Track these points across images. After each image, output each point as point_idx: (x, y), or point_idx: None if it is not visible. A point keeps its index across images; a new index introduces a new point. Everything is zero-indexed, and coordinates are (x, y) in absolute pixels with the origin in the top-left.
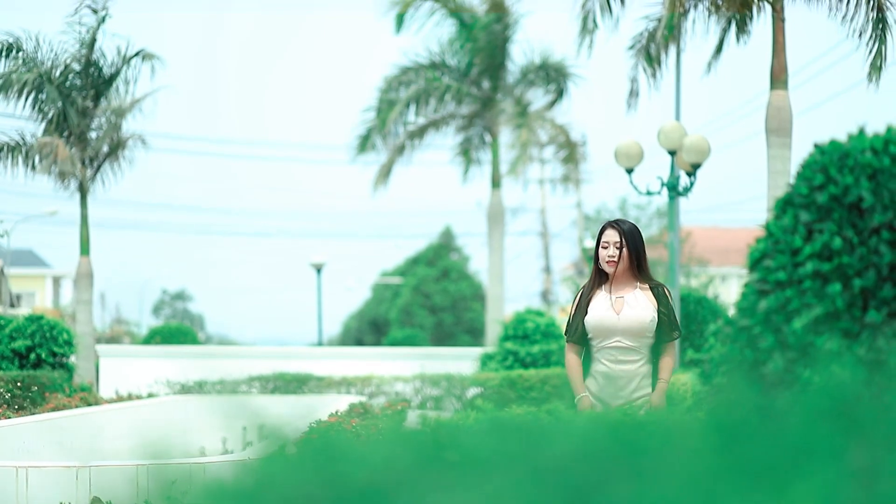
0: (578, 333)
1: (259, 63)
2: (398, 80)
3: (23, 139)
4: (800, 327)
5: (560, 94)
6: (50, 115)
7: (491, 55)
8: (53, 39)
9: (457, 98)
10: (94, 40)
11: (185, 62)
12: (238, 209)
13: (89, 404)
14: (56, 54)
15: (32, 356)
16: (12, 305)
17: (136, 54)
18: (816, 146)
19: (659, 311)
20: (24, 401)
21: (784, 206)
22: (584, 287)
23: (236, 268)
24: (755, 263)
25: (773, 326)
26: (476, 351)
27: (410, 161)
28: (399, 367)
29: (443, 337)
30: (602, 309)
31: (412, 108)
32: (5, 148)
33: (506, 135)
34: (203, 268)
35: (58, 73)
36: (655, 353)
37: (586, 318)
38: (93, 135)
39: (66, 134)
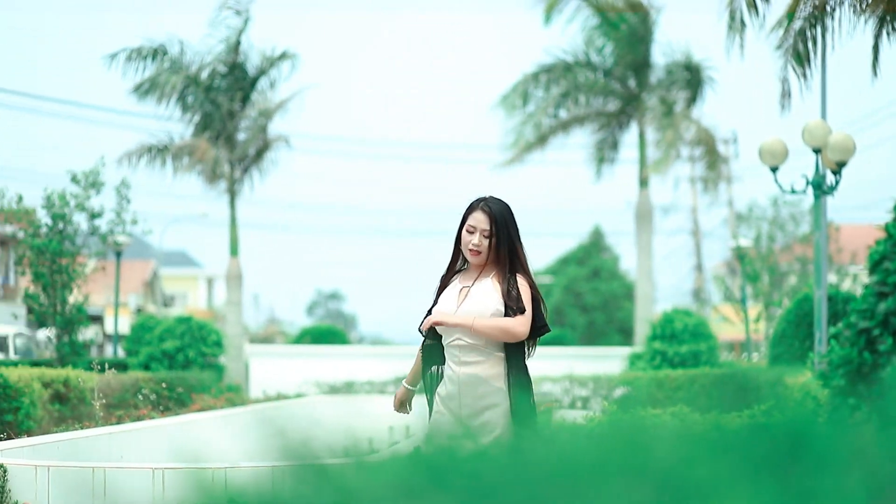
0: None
1: (411, 62)
2: (540, 76)
3: (171, 141)
4: None
5: (696, 93)
6: (197, 117)
7: (634, 53)
8: (199, 42)
9: (602, 95)
10: (238, 42)
11: (323, 62)
12: (390, 209)
13: (235, 405)
14: (202, 57)
15: (181, 357)
16: (166, 305)
17: (281, 56)
18: None
19: (506, 304)
20: (170, 402)
21: None
22: (444, 275)
23: (388, 268)
24: (875, 265)
25: (892, 329)
26: (625, 350)
27: (549, 160)
28: (547, 366)
29: (595, 336)
30: (444, 301)
31: (553, 103)
32: (153, 150)
33: (651, 133)
34: (357, 268)
35: (204, 76)
36: (510, 354)
37: (433, 310)
38: (240, 136)
39: (213, 136)
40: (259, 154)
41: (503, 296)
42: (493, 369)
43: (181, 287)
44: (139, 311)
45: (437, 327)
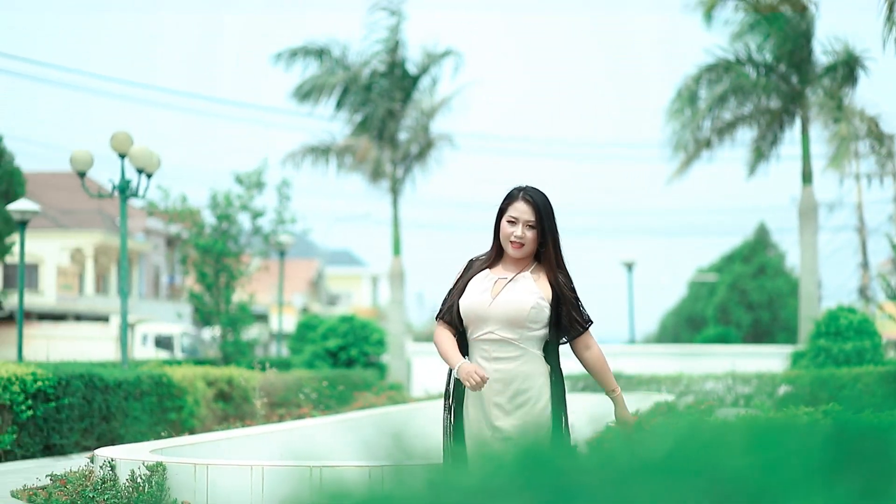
0: (453, 313)
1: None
2: (703, 76)
3: (333, 141)
4: None
5: (855, 86)
6: (358, 117)
7: (796, 49)
8: (359, 43)
9: (765, 93)
10: (396, 42)
11: (483, 61)
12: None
13: (396, 403)
14: (362, 57)
15: (344, 355)
16: (331, 304)
17: (444, 54)
18: None
19: (553, 303)
20: (331, 400)
21: None
22: (474, 260)
23: None
24: None
25: None
26: (789, 348)
27: (713, 158)
28: (711, 364)
29: (760, 334)
30: (477, 292)
31: (720, 103)
32: (316, 150)
33: (816, 129)
34: None
35: (364, 76)
36: (550, 355)
37: (460, 300)
38: (402, 136)
39: (374, 135)
40: (421, 153)
41: (554, 289)
42: (527, 366)
43: (346, 286)
44: (304, 310)
45: (463, 317)
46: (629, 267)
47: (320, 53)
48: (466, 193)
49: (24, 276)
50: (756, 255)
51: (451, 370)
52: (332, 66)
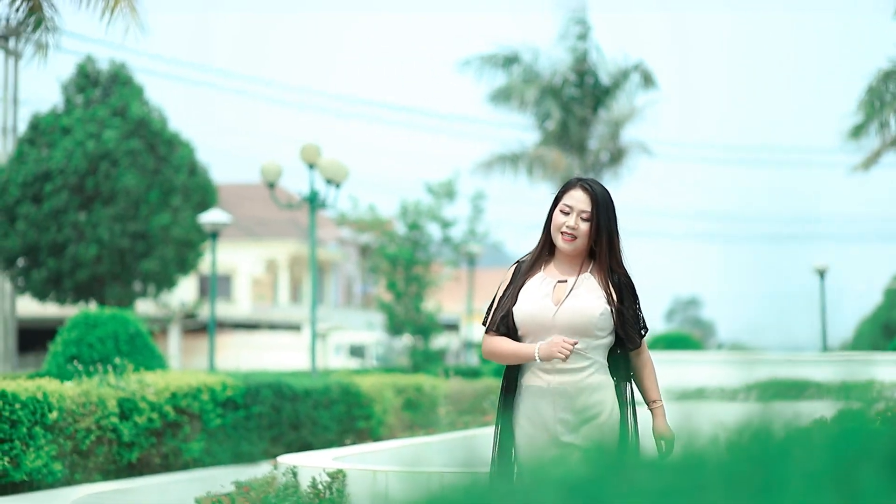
0: (508, 323)
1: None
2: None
3: (522, 150)
4: None
5: None
6: (549, 125)
7: None
8: (549, 49)
9: None
10: (584, 51)
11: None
12: (745, 214)
13: None
14: (554, 65)
15: None
16: None
17: (634, 67)
18: None
19: (618, 307)
20: None
21: None
22: (521, 262)
23: (748, 273)
24: None
25: None
26: None
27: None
28: None
29: None
30: (536, 297)
31: None
32: (505, 160)
33: None
34: (715, 274)
35: (557, 85)
36: (616, 363)
37: (515, 307)
38: (591, 144)
39: (564, 143)
40: (612, 161)
41: (612, 295)
42: (594, 377)
43: None
44: None
45: (519, 326)
46: (821, 274)
47: (507, 61)
48: (655, 201)
49: (215, 285)
50: None
51: (503, 386)
52: (521, 73)
